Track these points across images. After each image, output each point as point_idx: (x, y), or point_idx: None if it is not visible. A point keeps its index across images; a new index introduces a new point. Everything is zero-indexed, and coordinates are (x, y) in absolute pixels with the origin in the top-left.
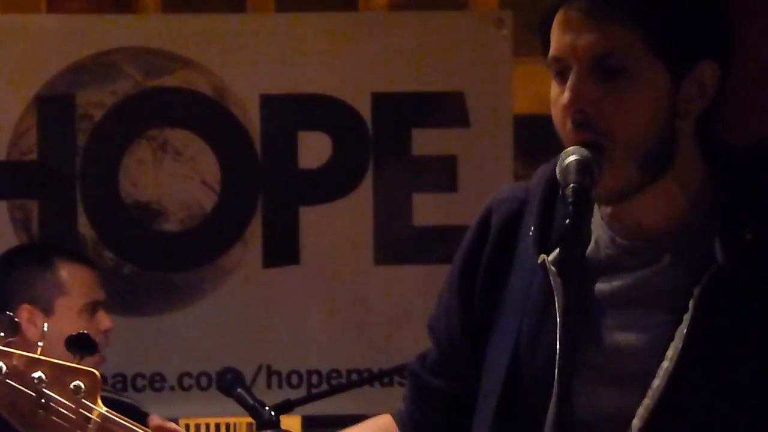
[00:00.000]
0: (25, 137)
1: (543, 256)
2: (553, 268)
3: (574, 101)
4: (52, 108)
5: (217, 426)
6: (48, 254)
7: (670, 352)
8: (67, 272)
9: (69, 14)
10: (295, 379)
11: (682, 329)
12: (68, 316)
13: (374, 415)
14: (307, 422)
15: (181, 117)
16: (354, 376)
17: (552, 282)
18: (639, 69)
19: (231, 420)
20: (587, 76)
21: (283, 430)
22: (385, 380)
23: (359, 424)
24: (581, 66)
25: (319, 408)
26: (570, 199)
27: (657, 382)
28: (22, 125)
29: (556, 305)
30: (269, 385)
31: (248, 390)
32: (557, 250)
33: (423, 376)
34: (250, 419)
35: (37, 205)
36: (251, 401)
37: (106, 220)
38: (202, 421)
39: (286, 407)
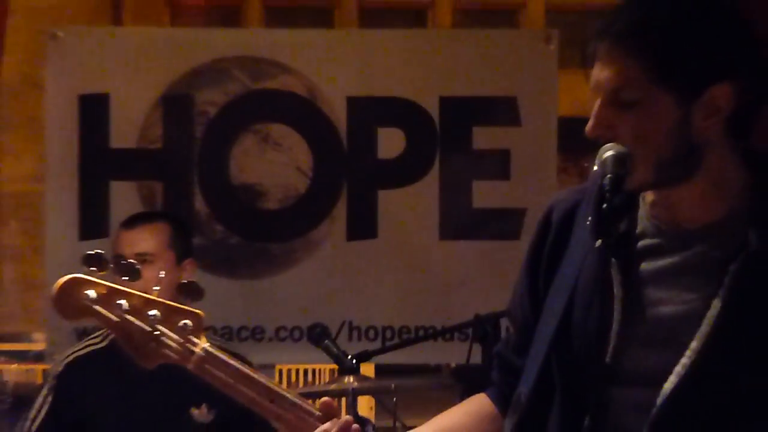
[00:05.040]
0: (152, 130)
1: (600, 240)
2: (613, 254)
3: (595, 127)
4: (175, 106)
5: (306, 371)
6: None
7: (707, 319)
8: None
9: (188, 27)
10: (371, 334)
11: (718, 301)
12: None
13: (436, 363)
14: (380, 369)
15: (280, 114)
16: (420, 332)
17: (612, 264)
18: (648, 100)
19: (318, 366)
20: (607, 106)
21: (361, 375)
22: (446, 336)
23: (464, 402)
24: (603, 97)
25: (390, 357)
26: (607, 188)
27: (695, 344)
28: (150, 120)
29: (613, 281)
30: (350, 338)
31: (333, 342)
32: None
33: (507, 356)
34: (334, 366)
35: (161, 185)
36: (335, 351)
37: (217, 198)
38: (294, 366)
39: (363, 357)
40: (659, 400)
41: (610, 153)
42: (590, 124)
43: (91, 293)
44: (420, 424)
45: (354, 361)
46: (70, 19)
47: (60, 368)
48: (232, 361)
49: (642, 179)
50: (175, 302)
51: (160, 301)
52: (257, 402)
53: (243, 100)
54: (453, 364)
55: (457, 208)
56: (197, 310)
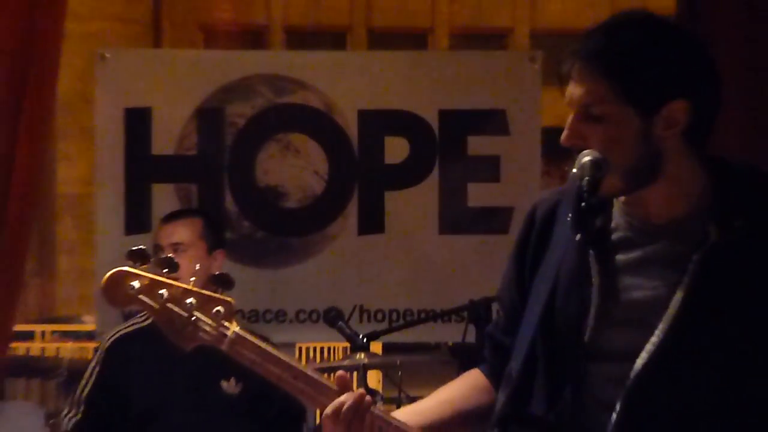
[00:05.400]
0: (188, 138)
1: (579, 234)
2: (591, 247)
3: (569, 138)
4: (208, 118)
5: (322, 349)
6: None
7: (673, 303)
8: None
9: (219, 50)
10: (379, 316)
11: (682, 287)
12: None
13: (435, 342)
14: (387, 347)
15: (299, 125)
16: (422, 314)
17: (590, 256)
18: (614, 114)
19: (333, 344)
20: (579, 119)
21: (370, 352)
22: (445, 318)
23: (461, 376)
24: (575, 112)
25: (396, 337)
26: (585, 189)
27: (662, 325)
28: (186, 129)
29: (591, 270)
30: (361, 320)
31: (346, 323)
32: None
33: (497, 336)
34: (346, 344)
35: (196, 187)
36: (348, 331)
37: (244, 198)
38: (312, 345)
39: (373, 336)
40: (632, 374)
41: (587, 158)
42: (564, 134)
43: (136, 284)
44: (422, 395)
45: (364, 339)
46: (117, 41)
47: (108, 344)
48: (259, 343)
49: (612, 186)
50: (209, 291)
51: (196, 291)
52: (282, 378)
53: (267, 113)
54: (450, 343)
55: (453, 207)
56: (228, 298)
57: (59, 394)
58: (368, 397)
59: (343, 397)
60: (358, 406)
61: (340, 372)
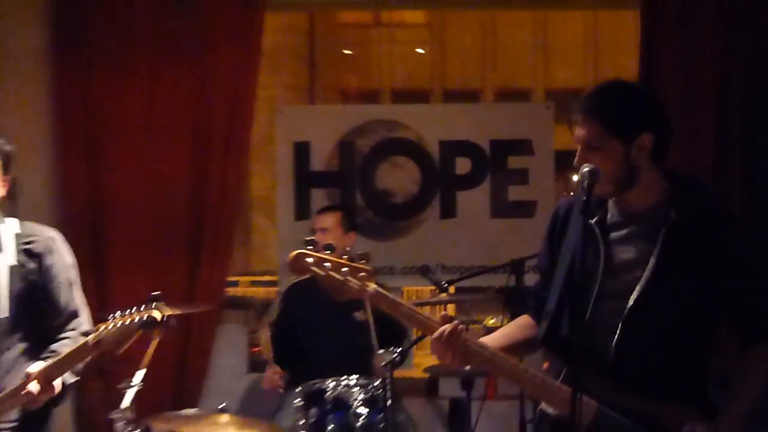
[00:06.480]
0: (333, 160)
1: (590, 221)
2: (596, 228)
3: (579, 161)
4: (345, 147)
5: (417, 290)
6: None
7: (651, 261)
8: None
9: (351, 104)
10: (454, 270)
11: (656, 251)
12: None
13: (489, 286)
14: (458, 289)
15: (402, 151)
16: (479, 268)
17: (596, 233)
18: (606, 145)
19: (425, 288)
20: (584, 149)
21: (449, 293)
22: (494, 271)
23: (516, 319)
24: (581, 145)
25: (464, 283)
26: (585, 188)
27: (645, 275)
28: (332, 155)
29: (599, 243)
30: (443, 272)
31: (433, 274)
32: (595, 218)
33: (537, 292)
34: (434, 287)
35: (338, 191)
36: (434, 279)
37: (369, 197)
38: (412, 288)
39: (450, 282)
40: (627, 308)
41: (586, 169)
42: (576, 160)
43: (309, 260)
44: (479, 320)
45: (445, 285)
46: (288, 101)
47: (285, 289)
48: (388, 294)
49: (605, 190)
50: (353, 262)
51: (347, 263)
52: (401, 315)
53: (382, 144)
54: (497, 286)
55: (499, 201)
56: (368, 267)
57: (254, 320)
58: (461, 326)
59: (445, 326)
60: (454, 330)
61: (444, 312)
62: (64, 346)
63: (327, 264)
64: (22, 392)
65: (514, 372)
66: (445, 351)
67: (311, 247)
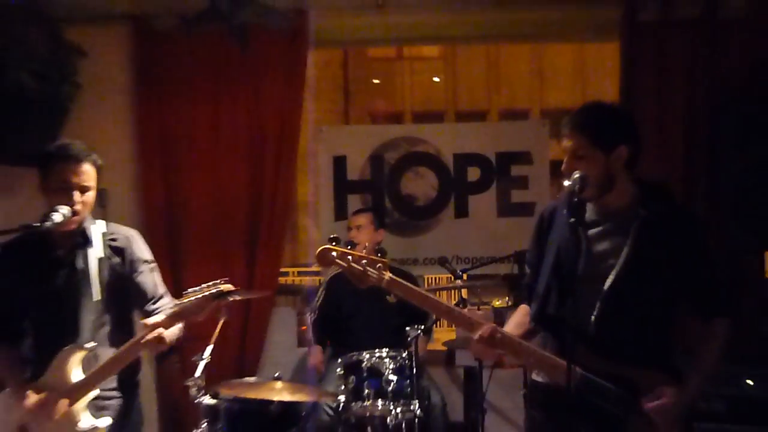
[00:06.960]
0: (366, 170)
1: (572, 218)
2: (578, 224)
3: (567, 169)
4: (375, 160)
5: (437, 278)
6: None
7: (624, 252)
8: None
9: (380, 125)
10: (467, 260)
11: (628, 243)
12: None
13: (496, 273)
14: (470, 276)
15: (423, 162)
16: (488, 259)
17: (578, 229)
18: (589, 155)
19: (443, 275)
20: (571, 158)
21: (463, 279)
22: (501, 261)
23: (518, 309)
24: (569, 155)
25: (475, 270)
26: (576, 191)
27: (619, 263)
28: (365, 166)
29: (581, 238)
30: (458, 262)
31: (450, 263)
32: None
33: (530, 284)
34: (450, 275)
35: (371, 195)
36: (451, 268)
37: (396, 201)
38: (432, 275)
39: (464, 270)
40: (604, 289)
41: (577, 174)
42: (564, 166)
43: (334, 254)
44: (487, 303)
45: (460, 273)
46: (327, 122)
47: (327, 278)
48: (403, 283)
49: (589, 193)
50: (375, 256)
51: (367, 256)
52: (415, 299)
53: (406, 156)
54: (503, 274)
55: (504, 202)
56: (385, 260)
57: (302, 304)
58: (497, 330)
59: (485, 329)
60: (494, 332)
61: (485, 328)
62: (163, 312)
63: (349, 257)
64: (149, 337)
65: (527, 351)
66: (485, 350)
67: (335, 243)
